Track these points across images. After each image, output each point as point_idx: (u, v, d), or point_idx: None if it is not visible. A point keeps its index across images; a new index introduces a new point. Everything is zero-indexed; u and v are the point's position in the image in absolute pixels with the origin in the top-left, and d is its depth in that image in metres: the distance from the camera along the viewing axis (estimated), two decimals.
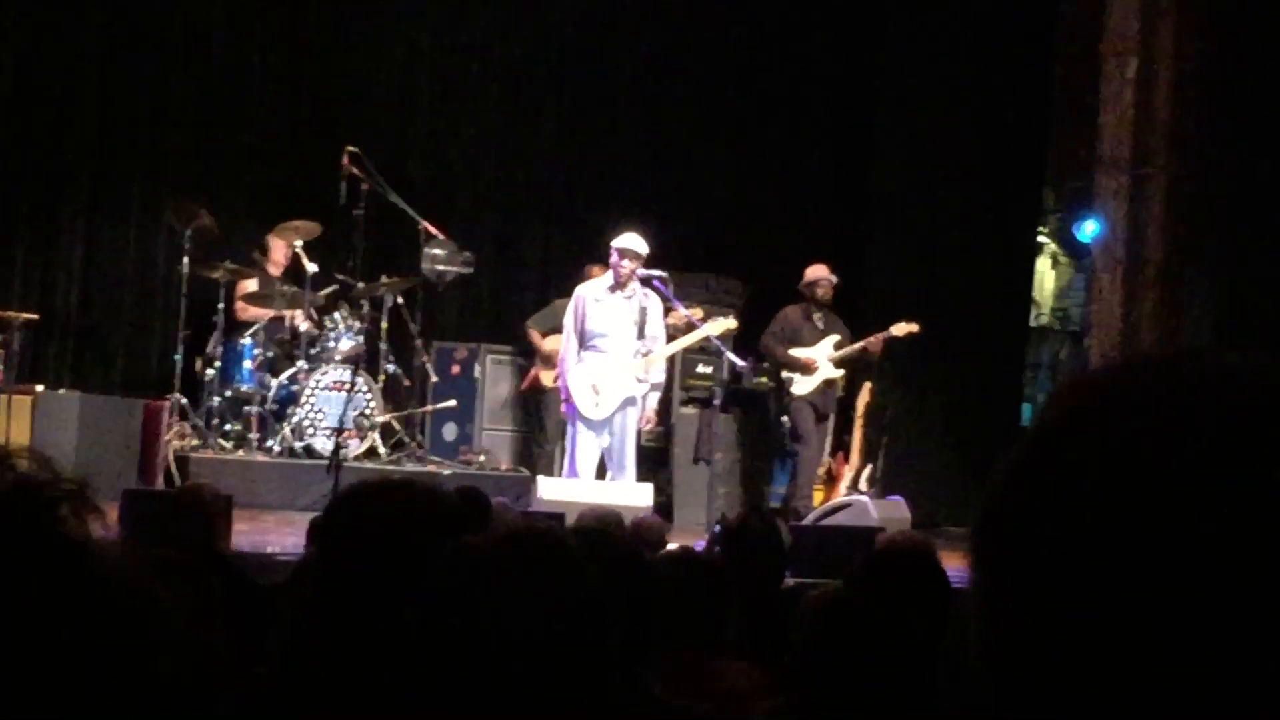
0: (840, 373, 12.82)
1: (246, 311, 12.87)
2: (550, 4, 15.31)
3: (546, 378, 13.18)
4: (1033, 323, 17.41)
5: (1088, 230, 15.08)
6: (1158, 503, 0.89)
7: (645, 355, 11.49)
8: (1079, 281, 17.99)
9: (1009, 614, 0.93)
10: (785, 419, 12.89)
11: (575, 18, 15.34)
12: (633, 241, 11.48)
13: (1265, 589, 0.86)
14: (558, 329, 12.96)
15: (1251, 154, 12.43)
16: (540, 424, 13.40)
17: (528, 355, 13.69)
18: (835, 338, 12.80)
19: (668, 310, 11.88)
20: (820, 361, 12.70)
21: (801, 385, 12.73)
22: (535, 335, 13.39)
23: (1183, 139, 12.43)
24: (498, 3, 15.16)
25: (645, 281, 11.56)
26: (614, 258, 11.47)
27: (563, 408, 11.76)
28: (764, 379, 13.49)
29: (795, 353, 12.71)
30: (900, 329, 12.66)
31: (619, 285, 11.48)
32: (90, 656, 1.04)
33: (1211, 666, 0.87)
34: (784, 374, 12.82)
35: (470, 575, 2.20)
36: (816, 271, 12.82)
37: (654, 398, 11.75)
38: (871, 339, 12.74)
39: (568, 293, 12.12)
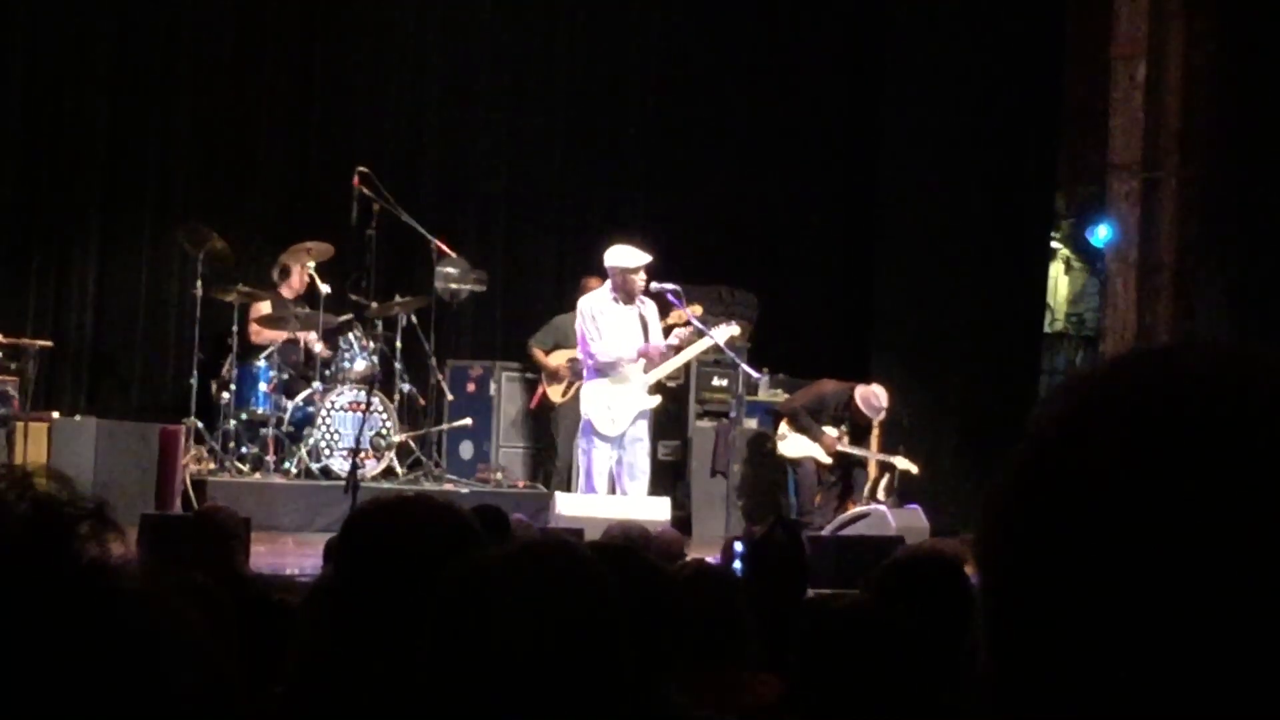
0: (829, 461, 12.86)
1: (261, 334, 12.88)
2: (559, 20, 15.32)
3: (554, 393, 13.17)
4: (1047, 328, 17.35)
5: (1100, 235, 15.06)
6: (1159, 501, 0.87)
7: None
8: (1092, 286, 17.94)
9: (1013, 618, 0.92)
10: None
11: (584, 32, 15.36)
12: (638, 254, 11.42)
13: (1269, 588, 0.85)
14: (560, 345, 12.97)
15: (1262, 155, 12.41)
16: (551, 440, 13.39)
17: (534, 373, 13.67)
18: (848, 437, 12.90)
19: (666, 312, 11.84)
20: (833, 444, 12.75)
21: (794, 447, 12.78)
22: (538, 352, 13.36)
23: (1193, 141, 12.42)
24: (506, 21, 15.16)
25: (658, 295, 11.52)
26: (627, 275, 11.38)
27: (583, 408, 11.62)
28: (778, 391, 13.51)
29: (828, 429, 12.74)
30: (901, 462, 12.83)
31: (629, 298, 11.42)
32: (110, 675, 1.04)
33: (1215, 669, 0.85)
34: (782, 429, 12.84)
35: (484, 585, 2.19)
36: (881, 402, 12.78)
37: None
38: (878, 455, 12.81)
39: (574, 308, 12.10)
